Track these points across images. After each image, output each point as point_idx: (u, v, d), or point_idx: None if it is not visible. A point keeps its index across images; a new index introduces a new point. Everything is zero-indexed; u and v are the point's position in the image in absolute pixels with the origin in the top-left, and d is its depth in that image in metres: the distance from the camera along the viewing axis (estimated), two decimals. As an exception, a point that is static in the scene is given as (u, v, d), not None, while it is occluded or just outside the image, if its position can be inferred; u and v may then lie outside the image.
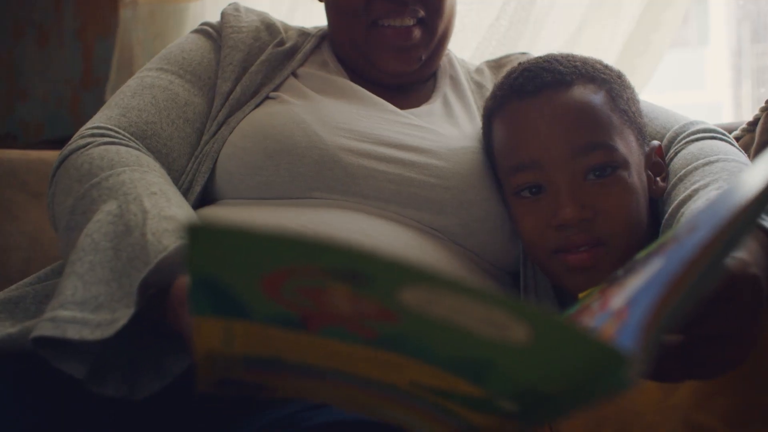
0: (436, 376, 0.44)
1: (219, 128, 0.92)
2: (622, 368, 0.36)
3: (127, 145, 0.84)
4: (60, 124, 2.27)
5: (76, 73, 2.28)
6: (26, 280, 0.84)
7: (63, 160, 0.83)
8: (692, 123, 0.91)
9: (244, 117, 0.92)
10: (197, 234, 0.38)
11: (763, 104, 1.08)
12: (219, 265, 0.40)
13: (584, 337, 0.37)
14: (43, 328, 0.65)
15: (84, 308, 0.66)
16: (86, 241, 0.70)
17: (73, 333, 0.64)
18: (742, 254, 0.57)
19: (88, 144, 0.82)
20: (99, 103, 1.84)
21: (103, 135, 0.84)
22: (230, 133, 0.90)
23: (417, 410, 0.51)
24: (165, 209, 0.72)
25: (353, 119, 0.90)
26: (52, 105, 2.30)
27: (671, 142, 0.90)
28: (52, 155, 0.85)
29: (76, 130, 0.89)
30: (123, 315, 0.64)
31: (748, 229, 0.46)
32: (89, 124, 0.87)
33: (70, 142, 0.85)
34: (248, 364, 0.51)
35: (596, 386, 0.38)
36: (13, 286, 0.82)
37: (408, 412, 0.52)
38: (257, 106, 0.94)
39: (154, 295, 0.67)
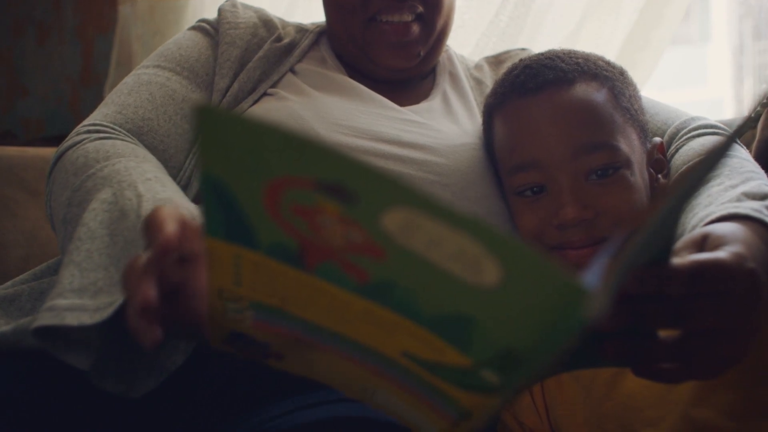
0: (426, 342, 0.45)
1: None
2: (583, 302, 0.38)
3: (123, 140, 0.83)
4: (60, 121, 2.27)
5: (75, 70, 2.28)
6: (21, 277, 0.84)
7: (59, 157, 0.83)
8: (693, 119, 0.91)
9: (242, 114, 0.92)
10: (206, 115, 0.39)
11: (764, 100, 1.07)
12: (225, 159, 0.41)
13: (549, 268, 0.38)
14: (43, 318, 0.64)
15: (83, 295, 0.65)
16: (82, 230, 0.70)
17: (71, 319, 0.63)
18: (740, 248, 0.57)
19: (84, 140, 0.82)
20: (98, 99, 1.83)
21: (98, 131, 0.84)
22: None
23: (412, 393, 0.52)
24: (160, 193, 0.71)
25: (352, 116, 0.90)
26: (52, 102, 2.30)
27: (672, 138, 0.90)
28: (50, 152, 0.85)
29: (76, 126, 0.88)
30: (121, 297, 0.63)
31: (695, 190, 0.47)
32: (86, 121, 0.87)
33: (66, 139, 0.85)
34: (256, 312, 0.52)
35: (560, 328, 0.40)
36: (8, 283, 0.81)
37: (404, 396, 0.53)
38: (255, 102, 0.94)
39: None
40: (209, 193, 0.43)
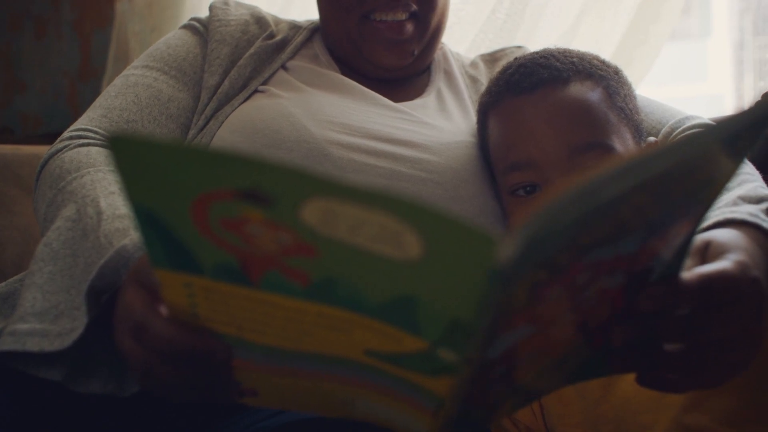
0: (382, 333, 0.46)
1: (207, 122, 0.91)
2: (491, 250, 0.38)
3: (102, 146, 0.83)
4: (58, 116, 2.27)
5: (73, 66, 2.27)
6: (17, 276, 0.83)
7: (44, 165, 0.82)
8: (688, 118, 0.90)
9: (233, 111, 0.91)
10: (120, 143, 0.40)
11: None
12: (146, 185, 0.42)
13: (457, 222, 0.38)
14: (4, 343, 0.66)
15: (43, 319, 0.66)
16: (45, 250, 0.70)
17: (32, 345, 0.65)
18: (742, 257, 0.57)
19: (65, 147, 0.82)
20: (96, 95, 1.83)
21: (80, 137, 0.84)
22: (219, 128, 0.90)
23: (387, 393, 0.52)
24: (120, 208, 0.70)
25: (344, 113, 0.89)
26: (50, 97, 2.30)
27: (667, 137, 0.89)
28: (45, 149, 0.85)
29: (74, 122, 0.89)
30: (81, 323, 0.64)
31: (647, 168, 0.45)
32: (72, 126, 0.87)
33: (51, 146, 0.84)
34: None
35: (481, 282, 0.40)
36: (2, 283, 0.81)
37: (381, 398, 0.53)
38: (246, 99, 0.93)
39: (109, 300, 0.65)
40: (143, 224, 0.44)
